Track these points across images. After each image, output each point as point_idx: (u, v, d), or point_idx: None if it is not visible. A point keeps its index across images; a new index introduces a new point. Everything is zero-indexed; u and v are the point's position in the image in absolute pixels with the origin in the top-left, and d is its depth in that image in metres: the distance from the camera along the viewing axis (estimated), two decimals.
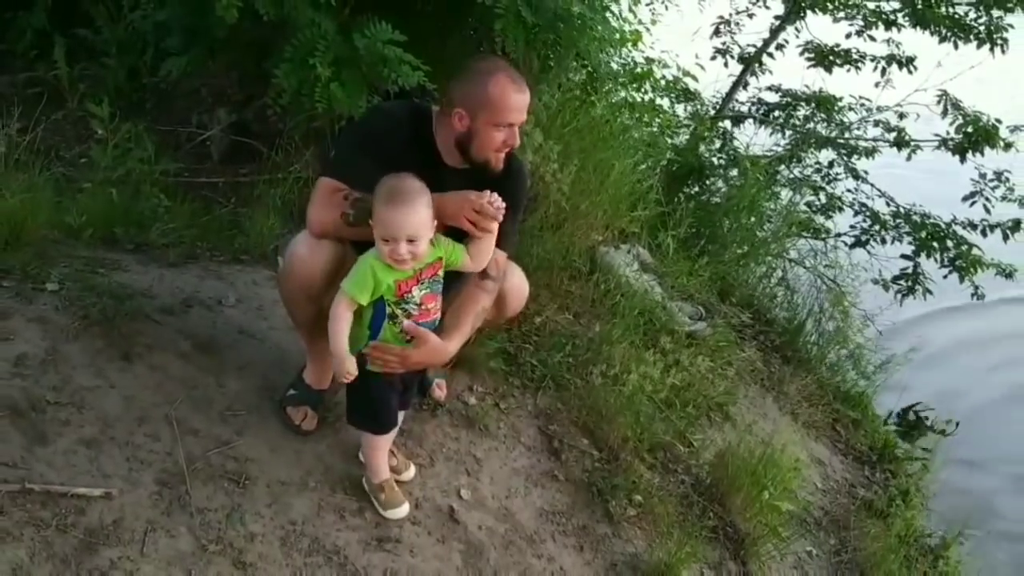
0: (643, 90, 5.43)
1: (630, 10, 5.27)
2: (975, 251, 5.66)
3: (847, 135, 6.24)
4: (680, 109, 6.10)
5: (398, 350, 2.19)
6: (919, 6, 5.77)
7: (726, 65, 6.47)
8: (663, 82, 5.60)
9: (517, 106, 2.20)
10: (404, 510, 2.40)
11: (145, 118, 3.73)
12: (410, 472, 2.56)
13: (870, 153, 6.19)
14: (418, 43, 3.22)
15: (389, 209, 2.07)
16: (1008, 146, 5.65)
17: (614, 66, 5.01)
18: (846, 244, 6.02)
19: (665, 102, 5.71)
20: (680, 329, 3.91)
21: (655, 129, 5.30)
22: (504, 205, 2.18)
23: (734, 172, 5.58)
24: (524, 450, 2.88)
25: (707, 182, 5.48)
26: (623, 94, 5.02)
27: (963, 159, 5.74)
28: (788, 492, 3.25)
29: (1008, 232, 5.72)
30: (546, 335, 3.39)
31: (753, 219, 5.20)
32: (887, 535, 3.50)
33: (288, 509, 2.30)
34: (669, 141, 5.47)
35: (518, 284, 2.51)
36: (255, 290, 3.06)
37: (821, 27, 6.32)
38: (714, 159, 5.83)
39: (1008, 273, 5.68)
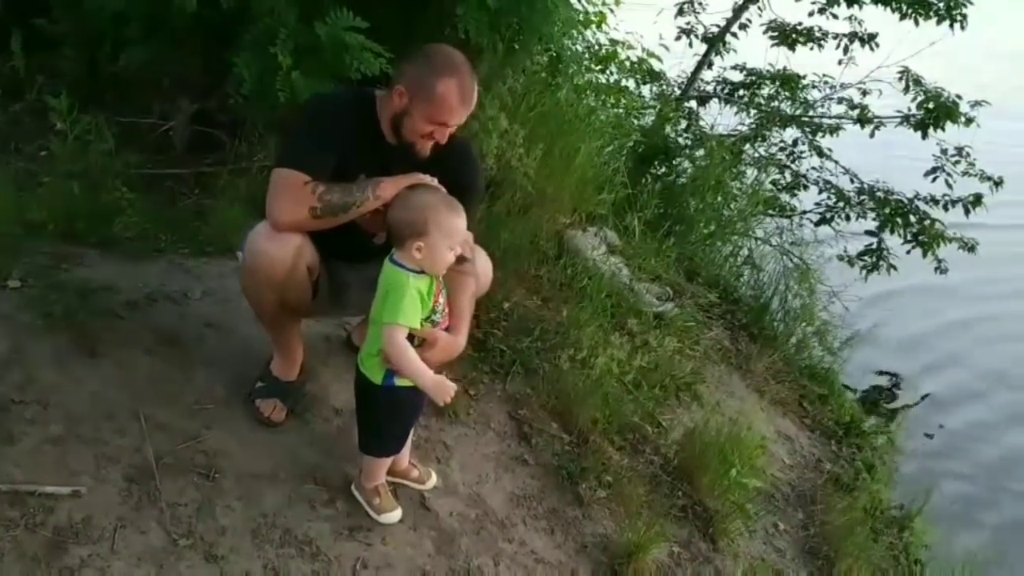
0: (608, 72, 5.43)
1: None
2: (937, 226, 5.76)
3: (811, 113, 6.31)
4: (645, 90, 6.12)
5: (416, 354, 2.18)
6: None
7: (690, 45, 6.52)
8: (628, 63, 5.61)
9: (455, 113, 2.22)
10: (398, 514, 2.40)
11: (105, 109, 3.67)
12: (433, 479, 2.57)
13: (834, 130, 6.27)
14: (381, 30, 3.21)
15: (454, 217, 2.12)
16: (969, 121, 5.76)
17: (579, 48, 5.01)
18: (811, 221, 6.13)
19: (630, 83, 5.71)
20: (648, 310, 3.95)
21: (621, 111, 5.31)
22: (435, 181, 2.22)
23: (700, 152, 5.63)
24: (494, 436, 2.90)
25: (673, 163, 5.52)
26: (588, 76, 5.02)
27: (924, 135, 5.83)
28: (755, 469, 3.31)
29: (969, 207, 5.84)
30: (514, 320, 3.41)
31: (719, 199, 5.25)
32: (854, 508, 3.56)
33: (259, 501, 2.31)
34: (635, 123, 5.49)
35: (484, 266, 2.52)
36: (221, 282, 3.04)
37: (784, 5, 6.37)
38: (680, 139, 5.88)
39: (970, 247, 5.80)
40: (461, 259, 2.29)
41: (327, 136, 2.28)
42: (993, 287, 6.77)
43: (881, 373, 5.55)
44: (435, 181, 2.24)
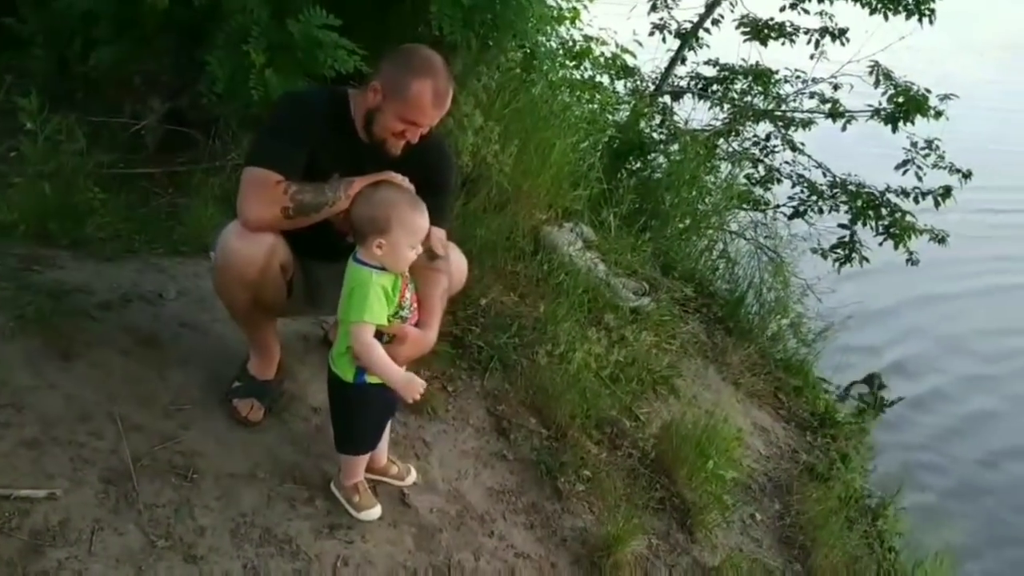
0: (582, 68, 5.45)
1: None
2: (908, 218, 5.84)
3: (783, 108, 6.36)
4: (620, 86, 6.15)
5: (386, 350, 2.17)
6: None
7: (664, 41, 6.55)
8: (602, 59, 5.63)
9: (428, 114, 2.22)
10: (377, 511, 2.40)
11: (76, 109, 3.62)
12: (412, 475, 2.58)
13: (806, 125, 6.33)
14: (355, 27, 3.20)
15: (416, 216, 2.12)
16: (938, 115, 5.83)
17: (553, 45, 5.02)
18: (785, 215, 6.18)
19: (605, 79, 5.74)
20: (624, 305, 3.98)
21: (595, 107, 5.33)
22: (407, 181, 2.23)
23: (674, 147, 5.67)
24: (473, 432, 2.91)
25: (648, 158, 5.55)
26: (562, 73, 5.03)
27: (895, 128, 5.90)
28: (732, 460, 3.36)
29: (939, 199, 5.92)
30: (492, 316, 3.42)
31: (694, 193, 5.30)
32: (828, 498, 3.61)
33: (238, 501, 2.30)
34: (610, 118, 5.52)
35: (458, 262, 2.53)
36: (196, 282, 3.03)
37: (756, 1, 6.42)
38: (654, 135, 5.93)
39: (941, 239, 5.88)
40: (433, 255, 2.30)
41: (299, 134, 2.27)
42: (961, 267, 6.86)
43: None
44: (407, 181, 2.24)
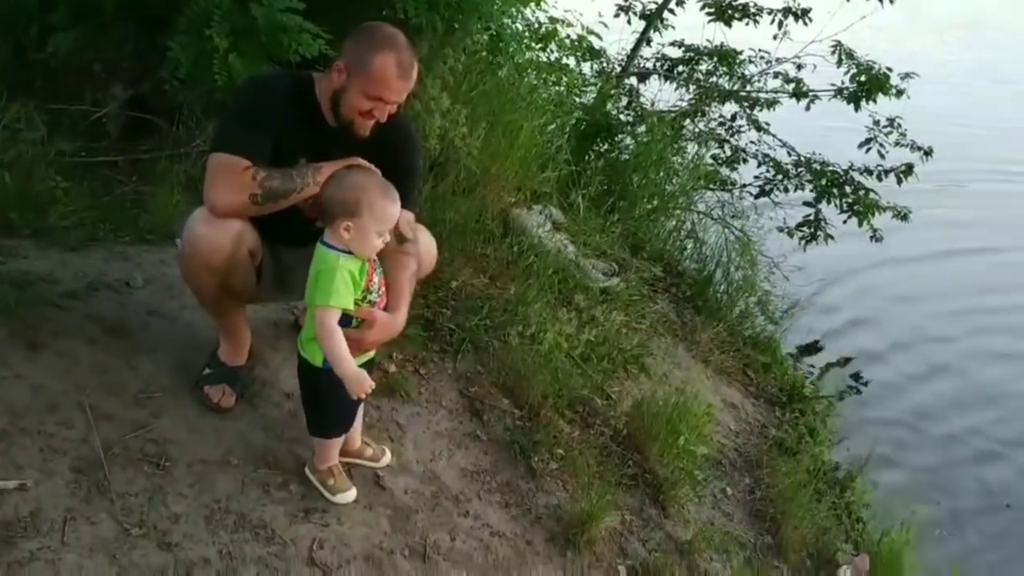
0: (548, 50, 5.44)
1: None
2: (872, 195, 5.93)
3: (748, 88, 6.40)
4: (586, 68, 6.15)
5: (354, 335, 2.18)
6: None
7: (629, 22, 6.54)
8: (568, 41, 5.62)
9: (394, 88, 2.20)
10: (352, 494, 2.41)
11: (35, 97, 3.56)
12: (387, 457, 2.59)
13: (771, 104, 6.38)
14: (319, 11, 3.17)
15: (387, 203, 2.11)
16: (899, 93, 5.91)
17: (518, 27, 5.00)
18: (751, 194, 6.24)
19: (571, 61, 5.73)
20: (594, 286, 4.01)
21: (562, 89, 5.33)
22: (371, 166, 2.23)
23: (641, 128, 5.68)
24: (446, 413, 2.93)
25: (615, 139, 5.56)
26: (528, 55, 5.03)
27: (857, 107, 5.97)
28: (703, 436, 3.40)
29: (902, 176, 6.01)
30: (462, 299, 3.42)
31: (661, 174, 5.32)
32: (797, 471, 3.67)
33: (211, 487, 2.30)
34: (577, 100, 5.52)
35: (427, 245, 2.53)
36: (163, 270, 3.00)
37: None
38: (621, 116, 5.93)
39: (903, 215, 5.98)
40: (402, 238, 2.30)
41: (264, 119, 2.26)
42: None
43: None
44: (374, 168, 2.23)
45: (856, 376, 5.41)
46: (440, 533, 2.49)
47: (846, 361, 5.52)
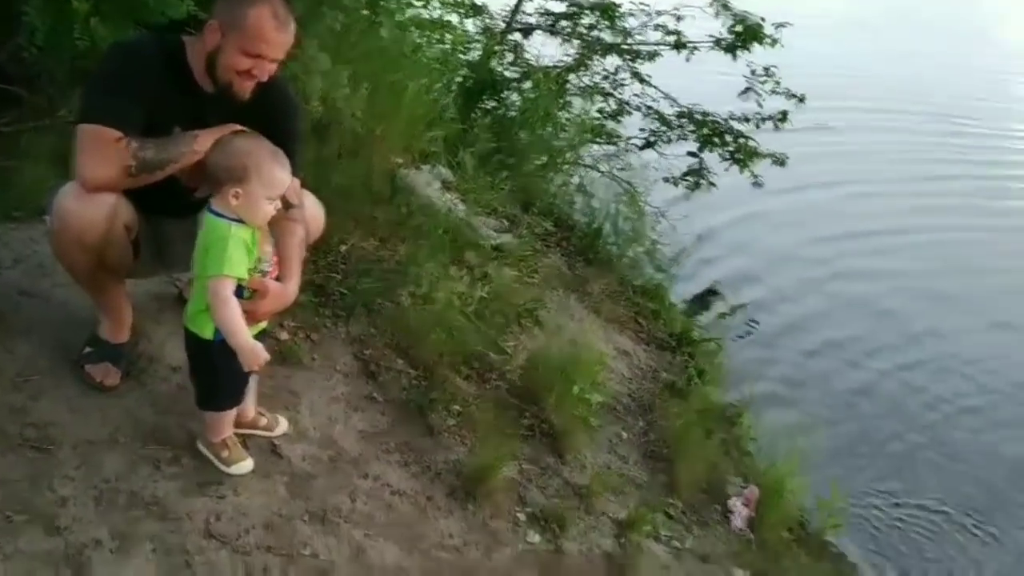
0: (430, 7, 5.38)
1: None
2: (751, 143, 6.14)
3: (630, 41, 6.49)
4: (469, 24, 6.11)
5: (247, 306, 2.13)
6: None
7: None
8: None
9: (272, 41, 2.13)
10: (249, 464, 2.38)
11: None
12: (282, 426, 2.56)
13: (652, 57, 6.49)
14: None
15: (276, 168, 2.07)
16: (774, 42, 6.10)
17: None
18: (637, 147, 6.36)
19: (454, 18, 5.68)
20: (486, 243, 4.04)
21: (447, 47, 5.29)
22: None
23: (527, 84, 5.71)
24: (341, 377, 2.92)
25: (502, 96, 5.58)
26: (410, 13, 4.96)
27: (734, 56, 6.14)
28: (596, 384, 3.49)
29: (777, 123, 6.24)
30: (353, 263, 3.40)
31: (549, 129, 5.37)
32: (688, 412, 3.82)
33: (99, 468, 2.25)
34: (461, 58, 5.50)
35: (313, 210, 2.49)
36: (33, 248, 2.87)
37: None
38: (507, 73, 5.94)
39: (781, 161, 6.22)
40: (287, 204, 2.27)
41: (133, 86, 2.16)
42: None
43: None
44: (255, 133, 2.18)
45: (740, 308, 5.62)
46: (340, 496, 2.50)
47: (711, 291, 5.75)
